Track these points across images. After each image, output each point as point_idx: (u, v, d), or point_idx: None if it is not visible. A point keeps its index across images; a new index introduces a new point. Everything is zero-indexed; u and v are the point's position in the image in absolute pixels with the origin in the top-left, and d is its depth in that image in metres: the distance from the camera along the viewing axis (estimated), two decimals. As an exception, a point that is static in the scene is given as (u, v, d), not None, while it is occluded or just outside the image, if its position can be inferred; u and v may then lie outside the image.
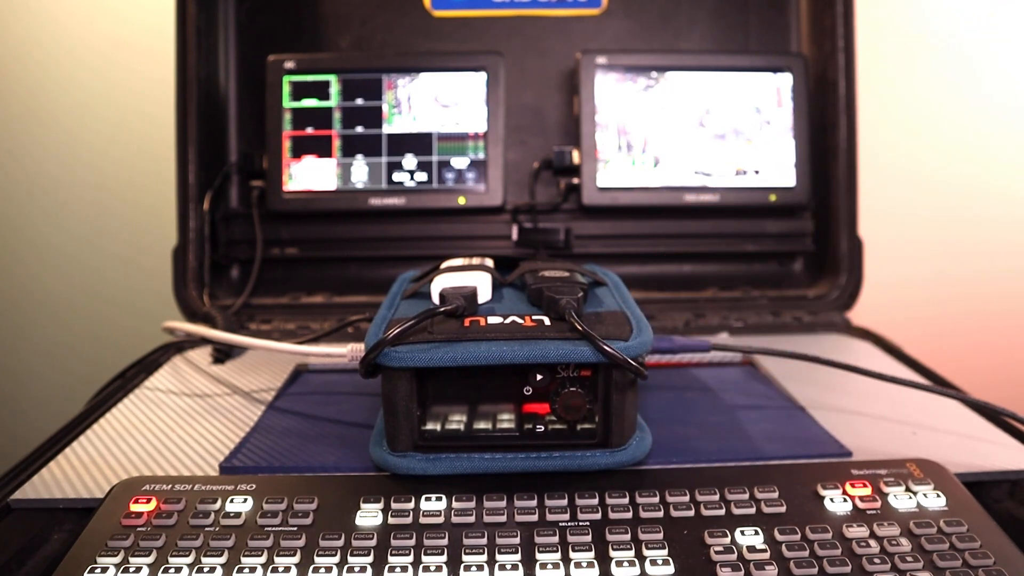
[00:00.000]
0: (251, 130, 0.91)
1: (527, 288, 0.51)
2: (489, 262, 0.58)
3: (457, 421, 0.47)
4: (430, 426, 0.47)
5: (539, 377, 0.45)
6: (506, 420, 0.48)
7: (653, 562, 0.39)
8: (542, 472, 0.46)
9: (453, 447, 0.46)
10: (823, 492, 0.44)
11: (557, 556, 0.40)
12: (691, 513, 0.43)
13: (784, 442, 0.53)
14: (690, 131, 0.87)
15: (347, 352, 0.53)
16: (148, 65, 1.12)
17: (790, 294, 0.90)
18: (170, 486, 0.45)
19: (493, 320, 0.46)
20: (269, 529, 0.41)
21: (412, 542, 0.41)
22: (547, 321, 0.46)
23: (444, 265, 0.56)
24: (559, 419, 0.45)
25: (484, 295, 0.51)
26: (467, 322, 0.46)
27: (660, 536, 0.41)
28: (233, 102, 0.91)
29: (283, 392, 0.65)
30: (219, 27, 0.90)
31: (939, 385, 0.65)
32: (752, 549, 0.40)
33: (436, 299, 0.49)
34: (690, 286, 0.92)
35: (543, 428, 0.46)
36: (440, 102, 0.86)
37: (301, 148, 0.86)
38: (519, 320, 0.46)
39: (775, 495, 0.44)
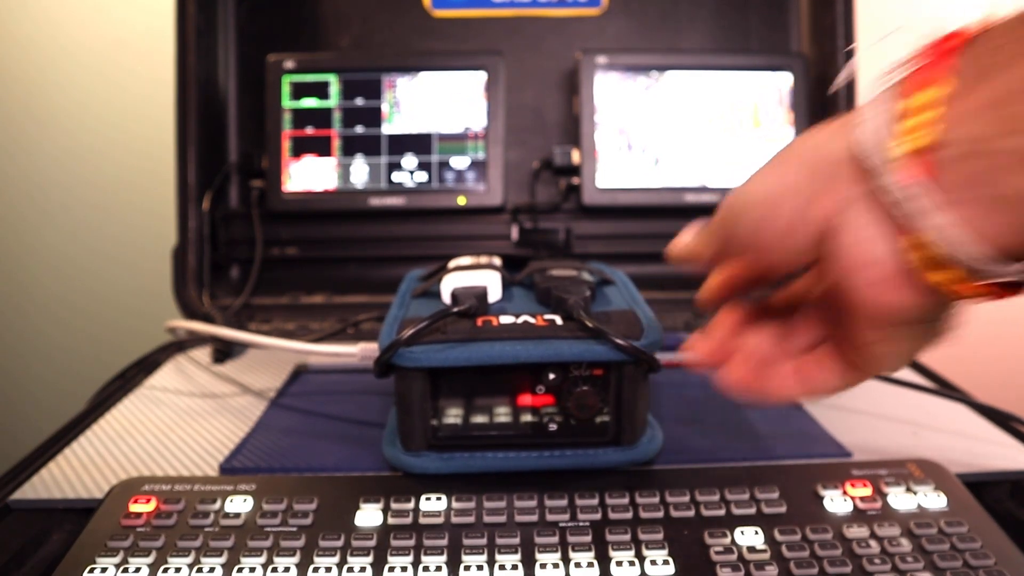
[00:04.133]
0: (251, 130, 0.91)
1: (535, 287, 0.51)
2: (497, 261, 0.58)
3: (470, 420, 0.47)
4: (444, 425, 0.47)
5: (552, 376, 0.45)
6: (519, 419, 0.48)
7: (653, 562, 0.39)
8: (553, 470, 0.46)
9: (467, 446, 0.46)
10: (823, 492, 0.44)
11: (557, 556, 0.40)
12: (691, 513, 0.43)
13: (784, 442, 0.53)
14: (690, 131, 0.87)
15: (357, 351, 0.53)
16: (148, 65, 1.12)
17: (790, 294, 0.90)
18: (170, 486, 0.45)
19: (505, 320, 0.46)
20: (269, 529, 0.41)
21: (412, 542, 0.41)
22: (559, 320, 0.46)
23: (452, 264, 0.56)
24: (572, 418, 0.45)
25: (494, 295, 0.51)
26: (479, 322, 0.46)
27: (660, 536, 0.41)
28: (233, 102, 0.91)
29: (283, 392, 0.65)
30: (219, 27, 0.90)
31: (939, 385, 0.65)
32: (752, 549, 0.40)
33: (446, 298, 0.49)
34: (690, 286, 0.91)
35: (555, 427, 0.46)
36: (440, 102, 0.86)
37: (301, 148, 0.86)
38: (531, 320, 0.46)
39: (775, 495, 0.44)
